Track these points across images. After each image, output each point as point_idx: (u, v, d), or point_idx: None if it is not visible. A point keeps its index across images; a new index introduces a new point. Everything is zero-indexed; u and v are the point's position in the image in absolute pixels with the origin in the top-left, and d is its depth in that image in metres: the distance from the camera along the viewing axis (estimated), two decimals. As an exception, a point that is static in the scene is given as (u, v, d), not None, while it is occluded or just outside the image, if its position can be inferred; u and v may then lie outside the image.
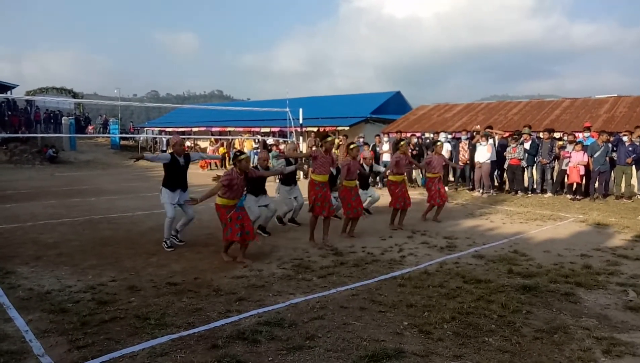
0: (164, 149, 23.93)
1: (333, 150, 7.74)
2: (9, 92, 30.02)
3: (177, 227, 6.68)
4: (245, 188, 6.33)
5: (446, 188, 13.11)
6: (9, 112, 28.72)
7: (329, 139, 6.92)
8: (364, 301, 4.39)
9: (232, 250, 5.96)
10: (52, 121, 31.86)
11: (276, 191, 8.34)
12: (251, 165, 6.42)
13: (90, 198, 11.68)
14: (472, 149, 12.79)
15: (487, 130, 13.07)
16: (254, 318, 3.96)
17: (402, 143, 8.41)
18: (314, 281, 5.02)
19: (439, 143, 9.08)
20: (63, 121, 29.23)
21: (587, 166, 11.17)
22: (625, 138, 11.00)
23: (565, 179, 11.76)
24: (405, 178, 8.36)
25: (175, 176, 6.58)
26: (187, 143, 31.46)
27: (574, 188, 11.37)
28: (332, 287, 4.78)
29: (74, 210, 9.70)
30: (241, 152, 6.15)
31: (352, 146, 7.31)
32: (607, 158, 11.00)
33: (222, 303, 4.33)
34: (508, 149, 12.22)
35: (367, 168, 9.10)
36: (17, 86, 33.68)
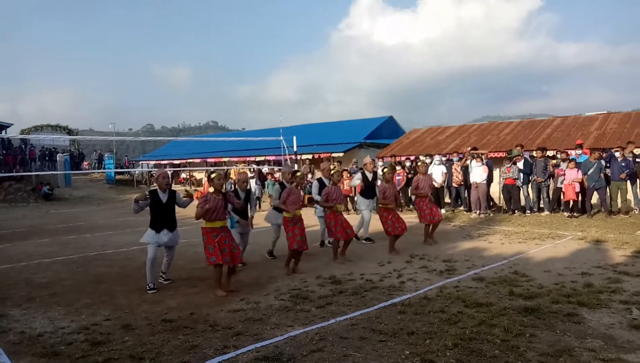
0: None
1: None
2: (3, 131, 30.12)
3: (162, 268, 6.38)
4: (228, 210, 6.18)
5: (443, 210, 13.14)
6: (4, 151, 28.74)
7: (298, 174, 7.26)
8: (364, 330, 4.30)
9: (224, 283, 5.88)
10: (47, 158, 31.88)
11: (266, 218, 7.99)
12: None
13: (84, 235, 11.56)
14: (465, 170, 12.83)
15: (472, 151, 13.14)
16: (252, 354, 3.85)
17: (385, 170, 8.54)
18: (312, 311, 4.92)
19: (420, 163, 9.27)
20: (58, 158, 29.26)
21: (581, 183, 11.20)
22: (617, 154, 11.07)
23: (562, 197, 11.77)
24: (395, 204, 8.31)
25: (158, 215, 6.05)
26: (183, 175, 31.60)
27: (570, 206, 11.36)
28: (331, 317, 4.68)
29: (68, 248, 9.58)
30: (212, 172, 6.23)
31: (333, 171, 7.49)
32: (602, 174, 11.03)
33: (218, 338, 4.23)
34: (502, 169, 12.27)
35: (370, 176, 9.26)
36: (12, 124, 33.76)
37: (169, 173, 7.18)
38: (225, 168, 24.42)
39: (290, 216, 6.75)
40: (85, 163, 36.90)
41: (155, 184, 6.29)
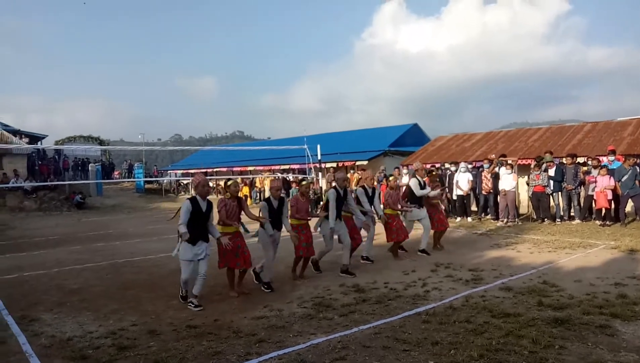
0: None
1: (353, 184, 8.00)
2: (39, 142, 31.31)
3: (194, 291, 5.60)
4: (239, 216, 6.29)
5: (469, 219, 12.93)
6: (39, 162, 29.80)
7: (304, 183, 7.21)
8: (387, 339, 4.25)
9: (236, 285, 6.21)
10: (79, 168, 32.90)
11: (317, 228, 7.12)
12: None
13: (114, 242, 11.85)
14: (494, 177, 12.61)
15: (501, 158, 12.91)
16: (274, 361, 3.86)
17: (391, 178, 8.58)
18: (335, 320, 4.90)
19: (391, 178, 8.57)
20: (90, 168, 30.15)
21: (614, 191, 10.84)
22: (653, 160, 10.68)
23: (593, 205, 11.41)
24: (400, 212, 8.30)
25: (196, 225, 5.53)
26: (210, 184, 32.08)
27: (602, 214, 11.00)
28: (354, 326, 4.65)
29: (98, 255, 9.83)
30: (229, 179, 6.55)
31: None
32: (637, 181, 10.65)
33: (241, 345, 4.25)
34: (531, 176, 12.00)
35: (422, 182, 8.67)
36: (47, 136, 35.15)
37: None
38: (251, 176, 24.70)
39: (296, 223, 6.83)
40: (116, 173, 37.91)
41: (195, 192, 5.76)
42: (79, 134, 37.83)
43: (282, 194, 6.69)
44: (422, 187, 8.63)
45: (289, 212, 6.84)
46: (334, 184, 7.23)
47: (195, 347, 4.24)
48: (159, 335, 4.62)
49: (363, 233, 7.75)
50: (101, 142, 37.86)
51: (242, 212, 6.31)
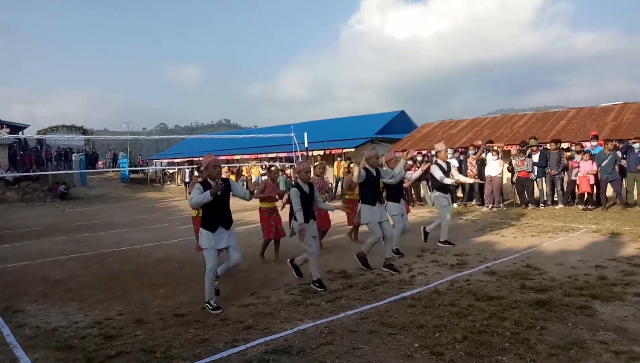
0: (187, 180, 23.57)
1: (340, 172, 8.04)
2: (20, 132, 30.68)
3: (217, 271, 5.15)
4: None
5: (455, 205, 13.05)
6: (21, 152, 29.25)
7: (273, 169, 7.44)
8: (374, 324, 4.30)
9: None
10: (62, 158, 32.39)
11: (359, 219, 6.55)
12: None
13: (99, 232, 11.74)
14: (480, 164, 12.72)
15: (488, 145, 13.03)
16: (262, 347, 3.88)
17: (352, 165, 8.59)
18: (322, 305, 4.93)
19: (352, 165, 8.49)
20: (73, 158, 29.71)
21: (596, 175, 11.02)
22: (635, 145, 10.86)
23: (576, 190, 11.60)
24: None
25: (213, 210, 4.97)
26: (196, 173, 31.84)
27: (585, 198, 11.20)
28: (340, 311, 4.69)
29: (83, 245, 9.74)
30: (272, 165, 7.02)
31: (272, 168, 7.52)
32: (617, 166, 10.84)
33: (229, 332, 4.27)
34: (515, 161, 12.13)
35: (445, 166, 7.78)
36: (29, 126, 34.48)
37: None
38: (238, 165, 24.57)
39: (266, 207, 7.25)
40: (100, 162, 37.42)
41: (205, 173, 5.09)
42: (62, 124, 37.24)
43: (311, 178, 6.02)
44: (447, 172, 7.75)
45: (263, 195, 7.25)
46: (364, 165, 6.41)
47: (183, 335, 4.24)
48: (146, 324, 4.61)
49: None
50: (84, 131, 37.29)
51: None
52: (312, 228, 5.76)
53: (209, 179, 5.01)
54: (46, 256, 8.67)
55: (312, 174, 6.20)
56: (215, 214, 5.00)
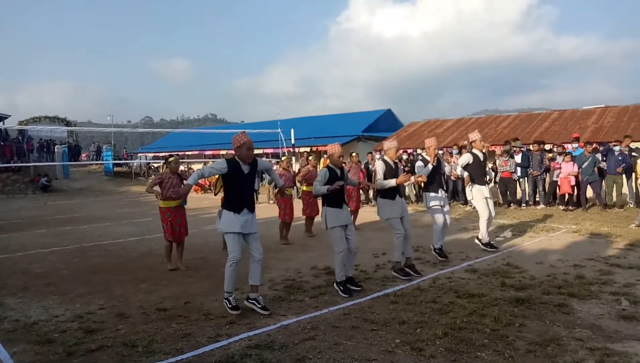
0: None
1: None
2: (1, 123, 30.05)
3: (251, 281, 4.67)
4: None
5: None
6: (1, 143, 28.66)
7: (171, 159, 6.81)
8: (356, 320, 4.34)
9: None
10: (45, 149, 31.83)
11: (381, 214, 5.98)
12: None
13: (82, 226, 11.59)
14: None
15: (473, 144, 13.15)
16: (244, 342, 3.89)
17: (283, 158, 9.34)
18: (305, 301, 4.96)
19: (284, 158, 9.30)
20: (56, 150, 29.22)
21: (577, 177, 11.23)
22: (616, 148, 11.09)
23: (557, 191, 11.81)
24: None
25: (238, 190, 4.66)
26: (182, 167, 31.59)
27: (566, 199, 11.40)
28: (324, 307, 4.72)
29: (64, 239, 9.61)
30: (170, 156, 7.02)
31: (170, 159, 6.83)
32: (596, 168, 11.05)
33: (212, 327, 4.27)
34: (499, 162, 12.29)
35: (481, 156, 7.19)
36: (10, 116, 33.73)
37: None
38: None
39: (165, 206, 6.59)
40: (83, 155, 36.87)
41: (236, 153, 4.73)
42: (44, 115, 36.55)
43: (343, 163, 5.62)
44: (483, 162, 7.31)
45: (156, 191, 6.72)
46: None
47: (165, 330, 4.23)
48: (128, 318, 4.58)
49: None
50: (68, 123, 36.66)
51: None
52: (344, 214, 5.30)
53: (237, 158, 4.65)
54: (26, 249, 8.53)
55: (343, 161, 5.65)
56: (240, 195, 4.64)
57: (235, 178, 4.64)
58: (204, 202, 16.18)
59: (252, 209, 4.74)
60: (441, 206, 6.72)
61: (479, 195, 7.22)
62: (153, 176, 6.91)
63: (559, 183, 11.53)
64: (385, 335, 3.95)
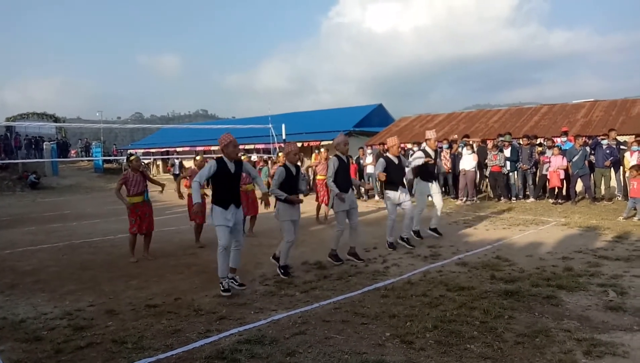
0: (177, 173, 23.05)
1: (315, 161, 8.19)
2: (-12, 119, 29.63)
3: (231, 264, 5.20)
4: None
5: (430, 198, 13.18)
6: (-12, 140, 28.31)
7: (132, 158, 7.24)
8: (347, 314, 4.35)
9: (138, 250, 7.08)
10: (33, 146, 31.44)
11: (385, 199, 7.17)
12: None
13: (71, 223, 11.48)
14: (454, 157, 12.91)
15: (465, 139, 13.23)
16: (234, 337, 3.89)
17: (322, 150, 9.95)
18: (296, 296, 4.96)
19: (280, 153, 9.55)
20: (44, 146, 28.89)
21: (566, 170, 11.33)
22: (604, 141, 11.19)
23: (547, 184, 11.90)
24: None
25: (226, 187, 5.13)
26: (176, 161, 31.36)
27: (555, 192, 11.50)
28: (314, 302, 4.73)
29: (54, 236, 9.52)
30: (131, 154, 7.22)
31: (131, 158, 7.21)
32: (587, 162, 11.14)
33: (202, 323, 4.25)
34: (489, 156, 12.36)
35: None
36: (-3, 112, 33.30)
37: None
38: (214, 156, 24.31)
39: (133, 201, 7.00)
40: (72, 151, 36.49)
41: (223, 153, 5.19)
42: (32, 111, 36.10)
43: (298, 162, 6.15)
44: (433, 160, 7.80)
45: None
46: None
47: (155, 326, 4.21)
48: (117, 315, 4.55)
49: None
50: (56, 119, 36.25)
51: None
52: (295, 211, 5.83)
53: (224, 158, 5.18)
54: (15, 246, 8.45)
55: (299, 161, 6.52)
56: (227, 192, 5.14)
57: (223, 176, 5.12)
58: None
59: (238, 205, 5.25)
60: (397, 204, 7.16)
61: (422, 190, 7.90)
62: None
63: (548, 177, 11.62)
64: (375, 328, 3.97)
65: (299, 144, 21.40)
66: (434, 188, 7.93)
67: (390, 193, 7.12)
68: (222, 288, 5.05)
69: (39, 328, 4.25)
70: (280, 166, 5.91)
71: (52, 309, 4.80)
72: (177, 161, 25.34)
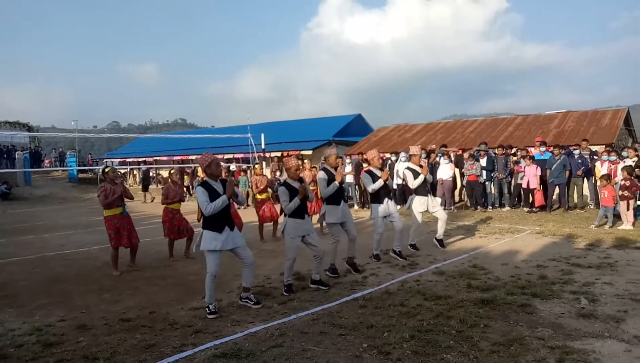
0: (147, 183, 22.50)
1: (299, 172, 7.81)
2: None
3: (244, 283, 5.10)
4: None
5: (398, 207, 13.27)
6: (-42, 149, 27.43)
7: (108, 170, 7.18)
8: (324, 325, 4.32)
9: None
10: (5, 156, 30.57)
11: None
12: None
13: (43, 235, 11.18)
14: (432, 167, 13.05)
15: (442, 148, 13.41)
16: (210, 351, 3.82)
17: (256, 166, 9.87)
18: (274, 308, 4.92)
19: (172, 171, 9.12)
20: (17, 156, 28.12)
21: (542, 179, 11.54)
22: (576, 151, 11.48)
23: (521, 193, 12.12)
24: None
25: (219, 210, 4.81)
26: (151, 173, 30.90)
27: (530, 201, 11.71)
28: (292, 313, 4.69)
29: (25, 248, 9.24)
30: (106, 166, 7.36)
31: (107, 170, 7.16)
32: (568, 172, 11.34)
33: (177, 337, 4.17)
34: (465, 165, 12.55)
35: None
36: (-33, 121, 32.35)
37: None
38: (193, 165, 24.06)
39: (111, 214, 6.88)
40: (46, 161, 35.62)
41: (203, 174, 5.04)
42: (4, 119, 35.16)
43: (300, 175, 5.86)
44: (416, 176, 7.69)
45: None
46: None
47: (128, 341, 4.11)
48: (90, 330, 4.43)
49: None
50: (30, 128, 35.38)
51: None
52: (306, 227, 5.62)
53: (208, 179, 4.92)
54: (-17, 260, 8.16)
55: (302, 174, 6.38)
56: (220, 215, 4.82)
57: (214, 199, 4.78)
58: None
59: (232, 226, 4.96)
60: (385, 216, 6.96)
61: (416, 207, 7.80)
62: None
63: (523, 186, 11.82)
64: (353, 339, 3.95)
65: (278, 154, 21.38)
66: (432, 203, 7.75)
67: (377, 206, 6.92)
68: (208, 311, 4.77)
69: (6, 346, 4.10)
70: (281, 186, 5.59)
71: (20, 325, 4.65)
72: (149, 172, 24.78)
